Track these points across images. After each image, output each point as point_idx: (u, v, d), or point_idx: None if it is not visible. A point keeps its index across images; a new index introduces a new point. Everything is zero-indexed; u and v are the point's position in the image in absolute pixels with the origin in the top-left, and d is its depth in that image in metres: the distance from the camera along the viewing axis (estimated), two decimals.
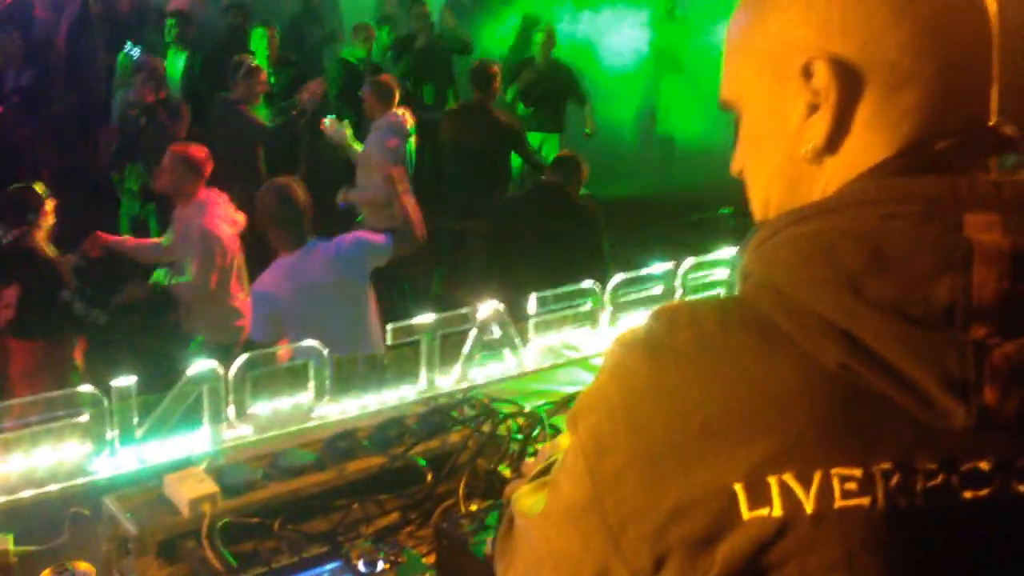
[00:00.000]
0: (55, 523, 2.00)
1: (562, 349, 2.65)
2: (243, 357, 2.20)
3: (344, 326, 4.11)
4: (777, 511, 0.89)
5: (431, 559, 1.86)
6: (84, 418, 2.05)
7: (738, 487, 0.90)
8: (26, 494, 2.03)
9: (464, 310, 2.48)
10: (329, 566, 1.74)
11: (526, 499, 1.14)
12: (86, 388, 2.04)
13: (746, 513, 0.90)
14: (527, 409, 2.24)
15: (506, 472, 2.11)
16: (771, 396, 0.91)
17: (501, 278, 5.68)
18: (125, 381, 2.08)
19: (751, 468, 0.90)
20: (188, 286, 5.08)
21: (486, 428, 2.17)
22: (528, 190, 7.00)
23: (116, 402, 2.07)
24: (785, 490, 0.89)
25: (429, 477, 2.05)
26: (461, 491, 2.02)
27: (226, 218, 5.21)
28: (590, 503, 0.98)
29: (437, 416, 2.21)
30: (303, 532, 1.97)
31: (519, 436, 2.19)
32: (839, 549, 0.88)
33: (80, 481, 2.07)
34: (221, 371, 2.17)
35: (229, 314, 5.14)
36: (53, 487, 2.05)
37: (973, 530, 0.90)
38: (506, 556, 1.16)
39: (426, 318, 2.42)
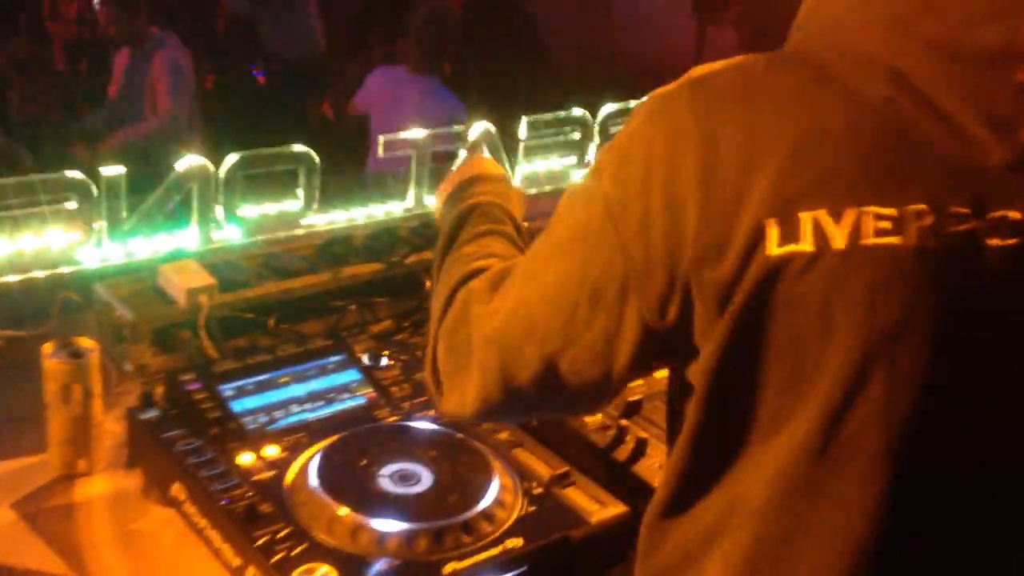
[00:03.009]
0: (42, 309, 1.97)
1: (549, 177, 2.64)
2: (233, 157, 2.14)
3: None
4: (806, 246, 0.90)
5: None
6: (72, 205, 2.00)
7: (770, 222, 0.91)
8: (11, 279, 1.98)
9: (455, 128, 2.44)
10: (333, 358, 1.74)
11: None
12: (75, 174, 1.98)
13: (774, 248, 0.91)
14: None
15: None
16: (813, 132, 0.92)
17: None
18: (114, 171, 2.02)
19: (784, 203, 0.91)
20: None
21: None
22: None
23: (105, 191, 2.01)
24: (816, 226, 0.90)
25: (427, 285, 2.04)
26: None
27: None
28: (612, 258, 0.99)
29: (430, 229, 2.19)
30: (297, 331, 1.96)
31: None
32: (862, 285, 0.90)
33: (67, 269, 2.02)
34: (211, 169, 2.12)
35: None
36: (39, 273, 2.00)
37: (996, 277, 0.91)
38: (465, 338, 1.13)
39: (416, 133, 2.38)
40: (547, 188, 2.64)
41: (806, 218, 0.91)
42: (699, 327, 0.96)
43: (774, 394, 0.94)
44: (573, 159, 2.66)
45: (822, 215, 0.91)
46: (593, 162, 1.06)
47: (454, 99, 4.25)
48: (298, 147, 2.24)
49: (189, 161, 2.09)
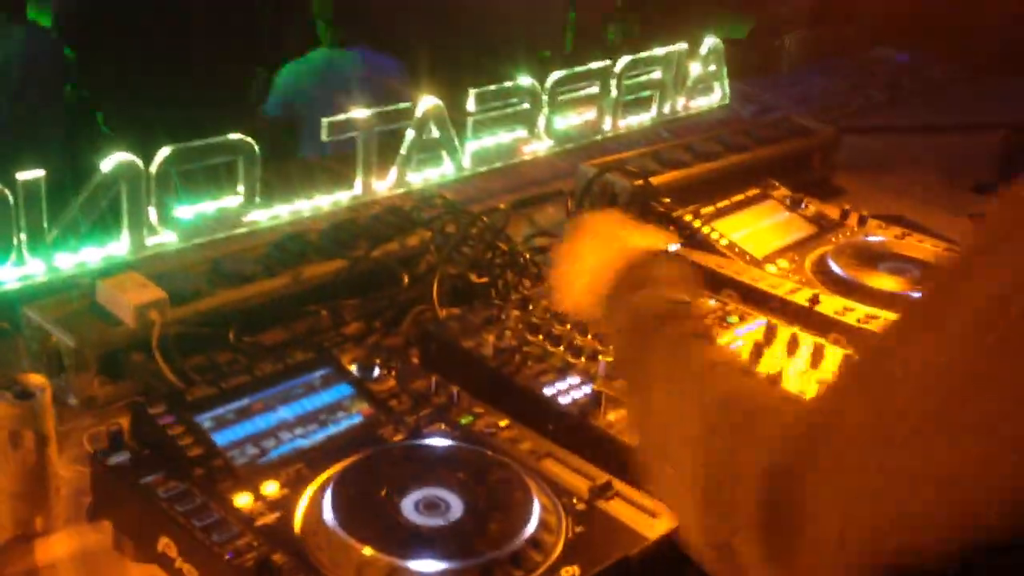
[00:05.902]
0: None
1: (499, 152, 2.46)
2: (165, 151, 1.90)
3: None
4: None
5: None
6: None
7: None
8: None
9: (402, 105, 2.24)
10: (319, 372, 1.53)
11: None
12: None
13: None
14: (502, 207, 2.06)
15: (474, 277, 1.93)
16: None
17: None
18: (32, 174, 1.76)
19: None
20: None
21: (450, 229, 1.97)
22: None
23: (23, 199, 1.75)
24: None
25: (406, 280, 1.85)
26: (435, 296, 1.83)
27: None
28: None
29: (393, 216, 1.99)
30: (261, 343, 1.75)
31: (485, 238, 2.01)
32: None
33: None
34: (141, 166, 1.87)
35: None
36: None
37: None
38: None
39: (362, 113, 2.17)
40: (497, 165, 2.46)
41: None
42: None
43: None
44: (523, 132, 2.49)
45: None
46: None
47: (388, 58, 4.07)
48: (235, 136, 2.01)
49: (115, 159, 1.85)
